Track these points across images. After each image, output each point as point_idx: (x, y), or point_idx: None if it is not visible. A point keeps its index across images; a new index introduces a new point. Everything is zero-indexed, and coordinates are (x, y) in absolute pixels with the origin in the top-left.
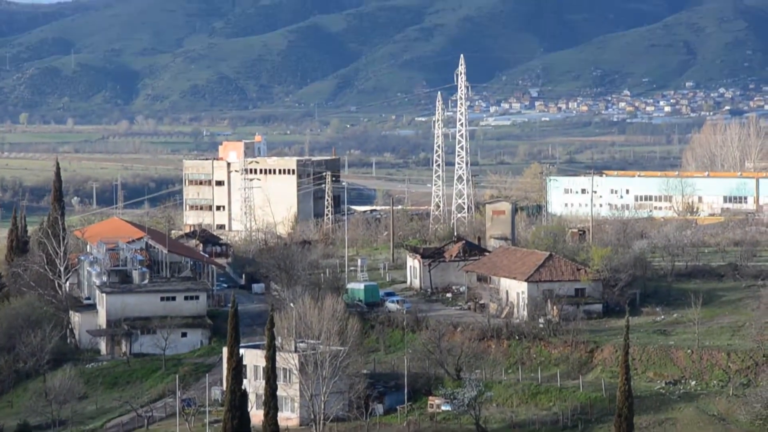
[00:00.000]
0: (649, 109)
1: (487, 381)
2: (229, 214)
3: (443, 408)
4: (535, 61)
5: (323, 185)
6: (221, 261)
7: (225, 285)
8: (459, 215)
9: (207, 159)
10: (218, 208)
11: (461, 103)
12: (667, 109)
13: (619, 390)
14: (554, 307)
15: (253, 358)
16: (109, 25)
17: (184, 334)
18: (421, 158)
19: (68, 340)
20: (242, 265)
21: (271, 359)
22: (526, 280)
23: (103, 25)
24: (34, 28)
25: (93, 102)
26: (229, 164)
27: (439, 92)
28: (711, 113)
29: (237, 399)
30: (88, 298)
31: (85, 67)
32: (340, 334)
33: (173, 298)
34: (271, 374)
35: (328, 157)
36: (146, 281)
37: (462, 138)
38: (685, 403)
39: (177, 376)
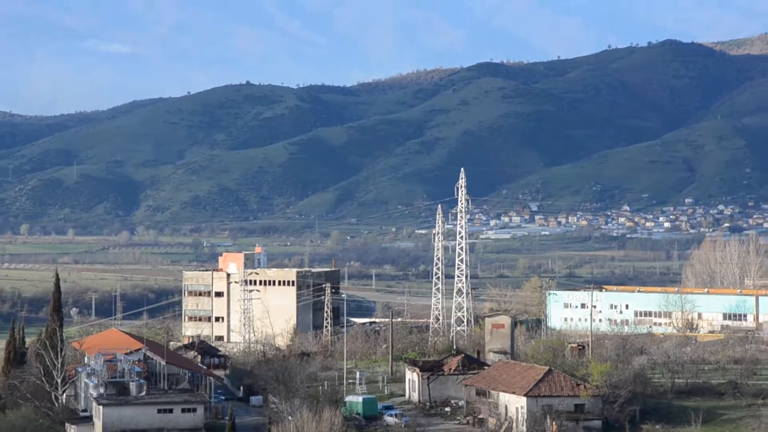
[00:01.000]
0: (648, 224)
1: None
2: (228, 326)
3: None
4: (535, 175)
5: (323, 297)
6: (219, 373)
7: (223, 397)
8: (458, 328)
9: (207, 270)
10: (217, 319)
11: (461, 216)
12: (667, 224)
13: None
14: (553, 423)
15: None
16: (111, 137)
17: None
18: (421, 271)
19: None
20: (240, 377)
21: None
22: (525, 395)
23: (105, 136)
24: (37, 139)
25: (94, 213)
26: (228, 275)
27: (439, 205)
28: (710, 230)
29: None
30: (85, 410)
31: (87, 178)
32: None
33: (170, 411)
34: None
35: (328, 269)
36: (143, 393)
37: (462, 251)
38: None
39: None
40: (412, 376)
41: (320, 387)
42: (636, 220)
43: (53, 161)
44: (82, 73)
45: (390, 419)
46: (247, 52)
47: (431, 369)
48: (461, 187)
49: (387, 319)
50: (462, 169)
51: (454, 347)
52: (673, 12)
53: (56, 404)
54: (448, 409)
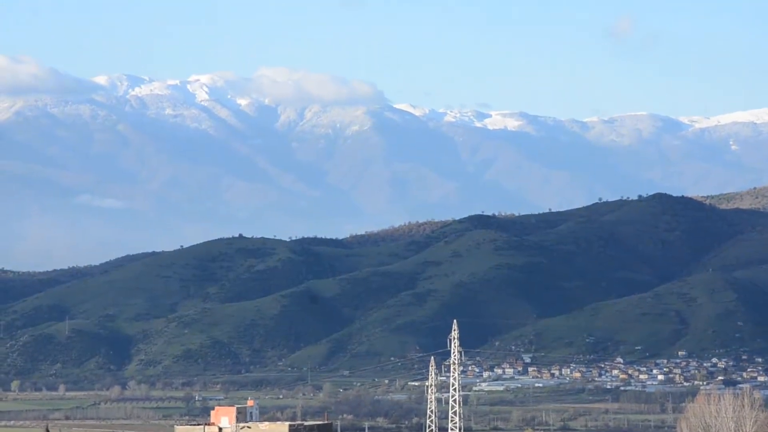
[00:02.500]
0: (642, 377)
1: None
2: None
3: None
4: (528, 327)
5: None
6: None
7: None
8: None
9: (199, 424)
10: None
11: (454, 368)
12: (661, 377)
13: None
14: None
15: None
16: (104, 291)
17: None
18: (414, 423)
19: None
20: None
21: None
22: None
23: (98, 291)
24: (29, 295)
25: (86, 368)
26: (220, 429)
27: (432, 357)
28: (704, 383)
29: None
30: None
31: (79, 333)
32: None
33: None
34: None
35: (321, 422)
36: None
37: (455, 403)
38: None
39: None
40: None
41: None
42: (630, 372)
43: (45, 317)
44: (75, 228)
45: None
46: (240, 206)
47: None
48: (454, 338)
49: None
50: (455, 320)
51: None
52: (661, 167)
53: None
54: None
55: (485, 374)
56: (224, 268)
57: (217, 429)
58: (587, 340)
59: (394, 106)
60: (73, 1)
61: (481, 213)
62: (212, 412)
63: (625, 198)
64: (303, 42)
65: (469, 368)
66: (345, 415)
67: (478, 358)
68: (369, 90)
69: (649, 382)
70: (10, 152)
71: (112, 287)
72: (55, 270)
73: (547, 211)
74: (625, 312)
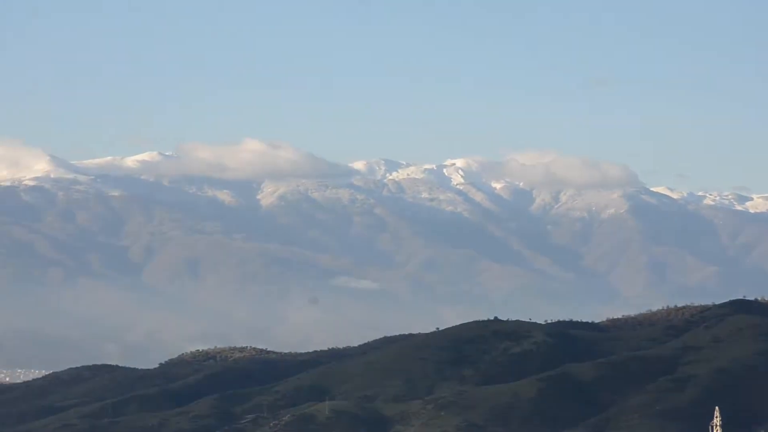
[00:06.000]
0: None
1: None
2: None
3: None
4: None
5: None
6: None
7: None
8: None
9: None
10: None
11: None
12: None
13: None
14: None
15: None
16: (362, 372)
17: None
18: None
19: None
20: None
21: None
22: None
23: (356, 372)
24: (290, 375)
25: None
26: None
27: None
28: None
29: None
30: None
31: (339, 413)
32: None
33: None
34: None
35: None
36: None
37: None
38: None
39: None
40: None
41: None
42: None
43: (306, 397)
44: (334, 309)
45: None
46: (495, 288)
47: None
48: (716, 426)
49: None
50: (716, 407)
51: None
52: None
53: None
54: None
55: None
56: (480, 350)
57: None
58: None
59: (651, 189)
60: (323, 89)
61: (742, 297)
62: None
63: None
64: (551, 125)
65: None
66: None
67: None
68: (621, 172)
69: None
70: (273, 235)
71: (370, 368)
72: (315, 351)
73: None
74: None
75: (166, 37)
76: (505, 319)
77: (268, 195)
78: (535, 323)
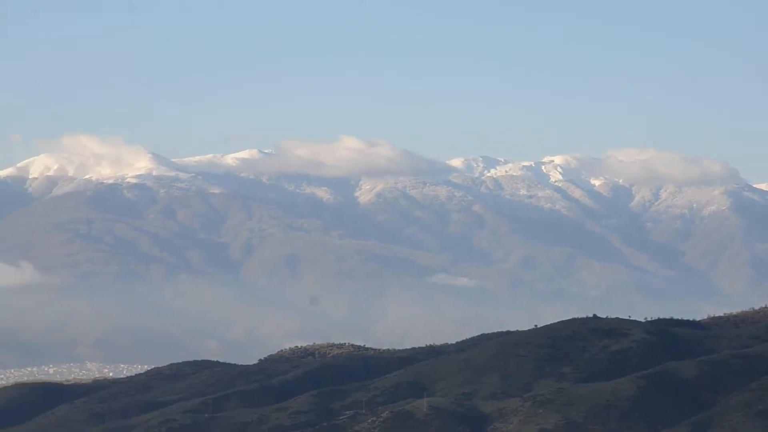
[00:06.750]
0: None
1: None
2: None
3: None
4: None
5: None
6: None
7: None
8: None
9: None
10: None
11: None
12: None
13: None
14: None
15: None
16: (460, 369)
17: None
18: None
19: None
20: None
21: None
22: None
23: (454, 369)
24: (389, 372)
25: None
26: None
27: None
28: None
29: None
30: None
31: (437, 410)
32: None
33: None
34: None
35: None
36: None
37: None
38: None
39: None
40: None
41: None
42: None
43: (404, 394)
44: (431, 306)
45: None
46: (594, 285)
47: None
48: None
49: None
50: None
51: None
52: None
53: None
54: None
55: None
56: (578, 348)
57: None
58: None
59: (754, 185)
60: (420, 86)
61: None
62: None
63: None
64: (650, 122)
65: None
66: None
67: None
68: (722, 169)
69: None
70: (371, 233)
71: (468, 365)
72: (413, 348)
73: None
74: None
75: (264, 35)
76: (604, 316)
77: (365, 192)
78: (635, 321)
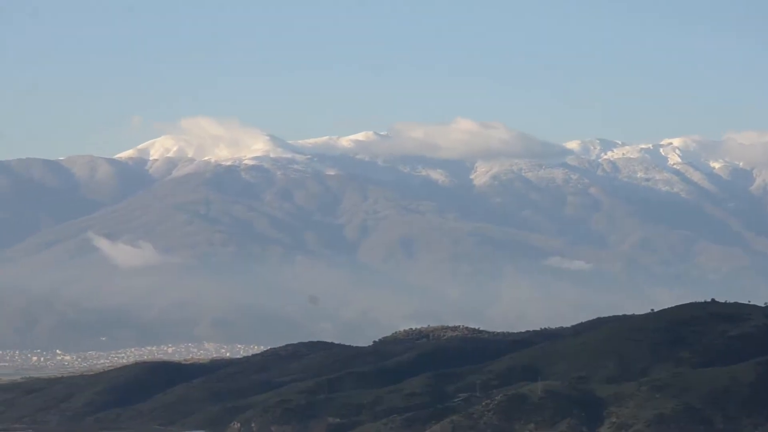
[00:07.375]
0: None
1: None
2: None
3: None
4: None
5: None
6: None
7: None
8: None
9: None
10: None
11: None
12: None
13: None
14: None
15: None
16: (575, 353)
17: None
18: None
19: None
20: None
21: None
22: None
23: (569, 352)
24: (503, 355)
25: (557, 429)
26: None
27: None
28: None
29: None
30: None
31: (552, 394)
32: None
33: None
34: None
35: None
36: None
37: None
38: None
39: None
40: None
41: None
42: None
43: (518, 377)
44: (546, 289)
45: None
46: (713, 269)
47: None
48: None
49: None
50: None
51: None
52: None
53: None
54: None
55: None
56: (696, 332)
57: None
58: None
59: None
60: (535, 69)
61: None
62: None
63: None
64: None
65: None
66: None
67: None
68: None
69: None
70: (486, 215)
71: (583, 349)
72: (527, 331)
73: None
74: None
75: (380, 20)
76: (722, 301)
77: (481, 174)
78: (755, 306)
